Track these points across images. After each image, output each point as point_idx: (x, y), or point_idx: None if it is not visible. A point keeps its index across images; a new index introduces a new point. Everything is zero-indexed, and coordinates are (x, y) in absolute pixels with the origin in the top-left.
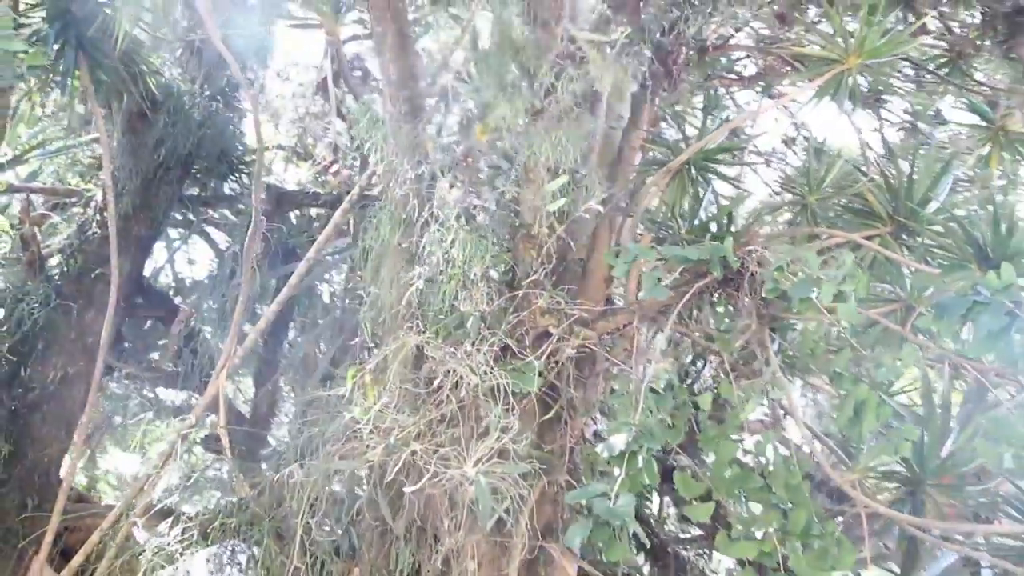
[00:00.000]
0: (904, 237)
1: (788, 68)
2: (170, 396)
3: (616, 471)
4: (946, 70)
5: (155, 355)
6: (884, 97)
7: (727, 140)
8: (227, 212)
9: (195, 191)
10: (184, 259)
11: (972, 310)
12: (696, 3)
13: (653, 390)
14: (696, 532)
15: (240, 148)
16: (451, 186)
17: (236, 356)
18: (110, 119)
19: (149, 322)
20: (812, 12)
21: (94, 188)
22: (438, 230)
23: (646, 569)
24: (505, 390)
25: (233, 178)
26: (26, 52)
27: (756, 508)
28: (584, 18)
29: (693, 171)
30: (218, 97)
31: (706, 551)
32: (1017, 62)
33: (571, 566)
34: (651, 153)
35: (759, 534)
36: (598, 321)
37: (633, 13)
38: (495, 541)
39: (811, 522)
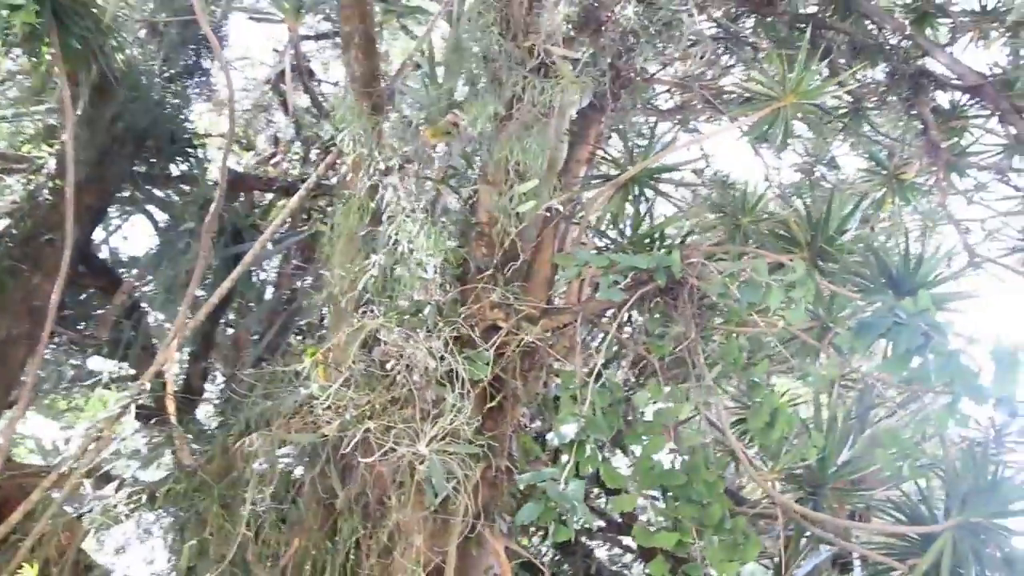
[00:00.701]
0: (820, 263)
1: (706, 104)
2: (101, 366)
3: (564, 458)
4: (848, 119)
5: (93, 324)
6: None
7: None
8: (171, 193)
9: (143, 169)
10: (127, 234)
11: (891, 330)
12: (648, 34)
13: (603, 385)
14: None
15: (188, 133)
16: (417, 179)
17: (188, 327)
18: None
19: (89, 292)
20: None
21: (45, 156)
22: (405, 219)
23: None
24: (456, 377)
25: (180, 160)
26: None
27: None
28: (551, 33)
29: (636, 187)
30: (175, 80)
31: (611, 544)
32: (916, 118)
33: (500, 546)
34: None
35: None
36: (542, 319)
37: (594, 35)
38: (438, 518)
39: (724, 517)
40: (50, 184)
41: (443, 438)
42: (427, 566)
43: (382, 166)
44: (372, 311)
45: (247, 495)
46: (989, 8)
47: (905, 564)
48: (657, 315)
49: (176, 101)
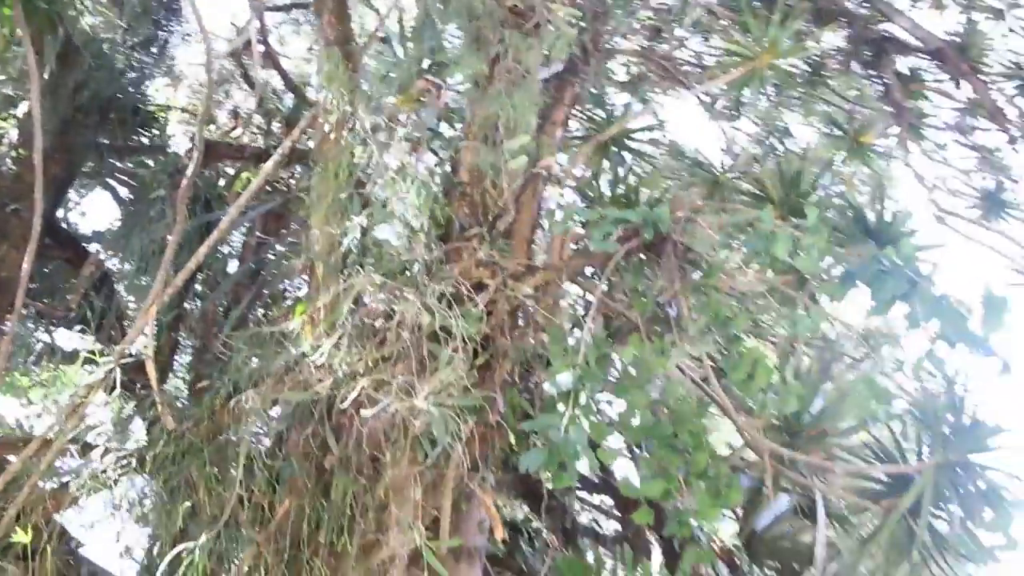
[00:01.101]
0: (792, 219)
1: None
2: (68, 341)
3: (560, 407)
4: (808, 85)
5: (61, 297)
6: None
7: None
8: (135, 165)
9: (107, 140)
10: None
11: (877, 278)
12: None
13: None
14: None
15: (152, 103)
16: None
17: (165, 294)
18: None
19: (55, 264)
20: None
21: (6, 126)
22: (393, 177)
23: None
24: (447, 333)
25: (144, 131)
26: None
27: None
28: None
29: (614, 148)
30: (137, 50)
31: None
32: (878, 81)
33: (490, 501)
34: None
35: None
36: (528, 277)
37: None
38: (431, 473)
39: (708, 465)
40: (13, 154)
41: (440, 392)
42: (421, 521)
43: (368, 124)
44: (359, 270)
45: (240, 455)
46: None
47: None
48: (640, 271)
49: (139, 71)
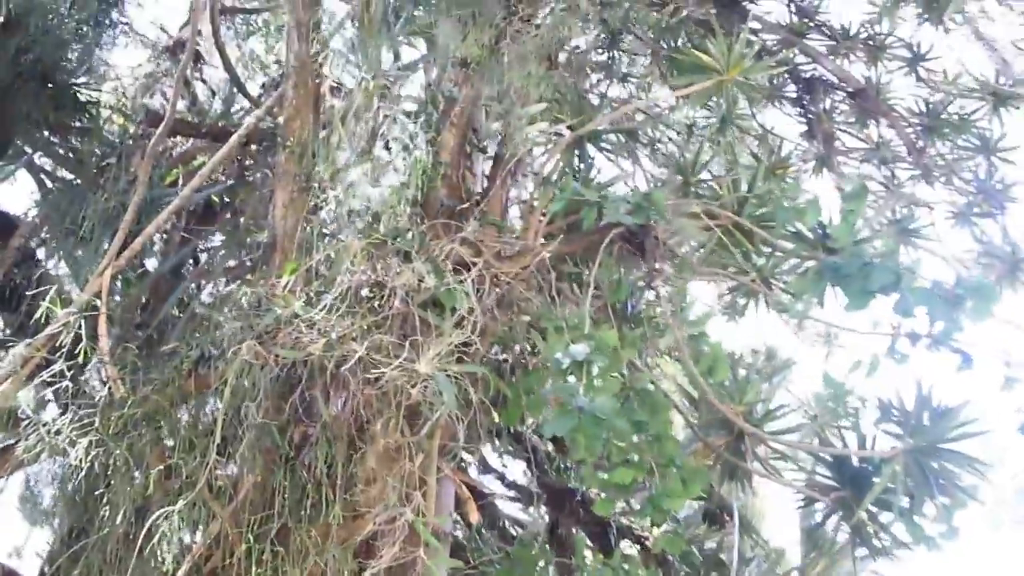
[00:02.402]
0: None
1: None
2: None
3: (572, 379)
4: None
5: None
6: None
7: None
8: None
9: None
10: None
11: (862, 270)
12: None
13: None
14: None
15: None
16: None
17: (122, 259)
18: None
19: None
20: None
21: None
22: (393, 142)
23: None
24: (439, 305)
25: (79, 111)
26: None
27: None
28: None
29: (586, 144)
30: (87, 23)
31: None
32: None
33: (458, 478)
34: None
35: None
36: (511, 258)
37: None
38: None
39: (677, 453)
40: None
41: (443, 358)
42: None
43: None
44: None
45: (218, 415)
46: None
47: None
48: (618, 261)
49: (84, 46)
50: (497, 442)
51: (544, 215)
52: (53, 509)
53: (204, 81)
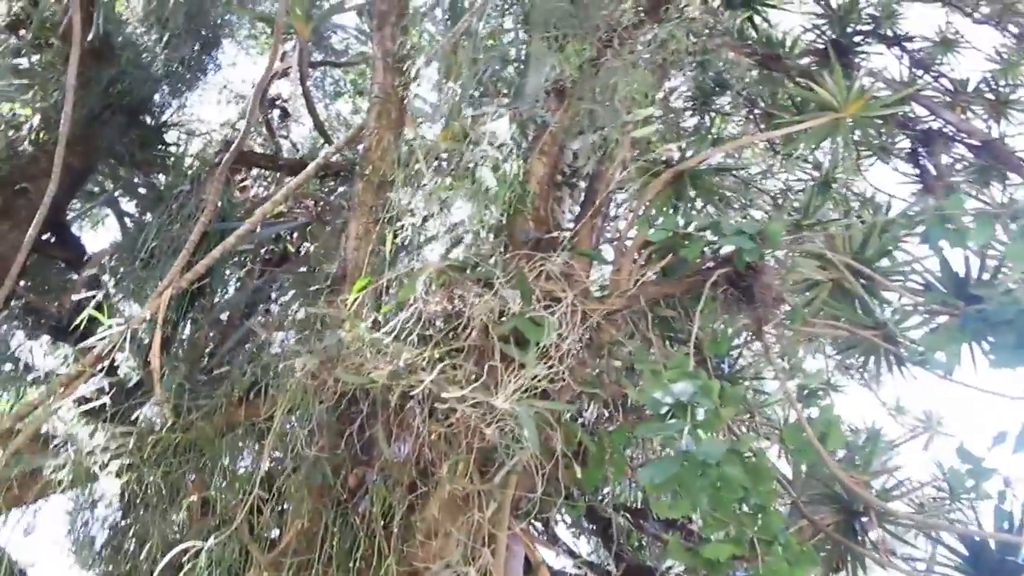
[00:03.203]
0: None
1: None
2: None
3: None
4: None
5: (52, 297)
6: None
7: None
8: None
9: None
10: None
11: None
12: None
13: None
14: None
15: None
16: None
17: (184, 280)
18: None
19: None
20: None
21: (27, 112)
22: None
23: None
24: (520, 339)
25: (163, 148)
26: None
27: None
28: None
29: (687, 184)
30: (180, 63)
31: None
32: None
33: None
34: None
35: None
36: (600, 299)
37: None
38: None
39: (781, 529)
40: (32, 136)
41: (524, 394)
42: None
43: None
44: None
45: (266, 446)
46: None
47: None
48: (719, 307)
49: (174, 83)
50: (569, 509)
51: (640, 253)
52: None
53: (287, 136)
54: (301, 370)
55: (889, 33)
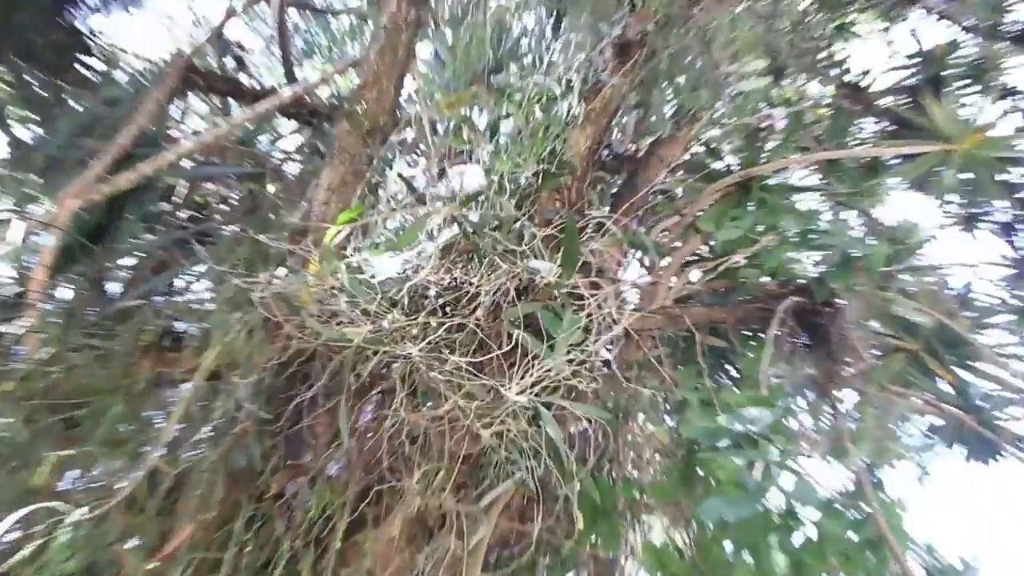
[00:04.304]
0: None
1: None
2: None
3: (738, 461)
4: None
5: None
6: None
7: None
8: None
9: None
10: None
11: None
12: None
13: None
14: None
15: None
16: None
17: (99, 189)
18: None
19: None
20: None
21: None
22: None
23: None
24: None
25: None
26: None
27: None
28: None
29: (750, 195)
30: None
31: None
32: None
33: None
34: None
35: None
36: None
37: None
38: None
39: None
40: None
41: (542, 386)
42: None
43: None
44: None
45: (176, 408)
46: None
47: None
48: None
49: None
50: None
51: (685, 267)
52: None
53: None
54: (243, 317)
55: (992, 84)
